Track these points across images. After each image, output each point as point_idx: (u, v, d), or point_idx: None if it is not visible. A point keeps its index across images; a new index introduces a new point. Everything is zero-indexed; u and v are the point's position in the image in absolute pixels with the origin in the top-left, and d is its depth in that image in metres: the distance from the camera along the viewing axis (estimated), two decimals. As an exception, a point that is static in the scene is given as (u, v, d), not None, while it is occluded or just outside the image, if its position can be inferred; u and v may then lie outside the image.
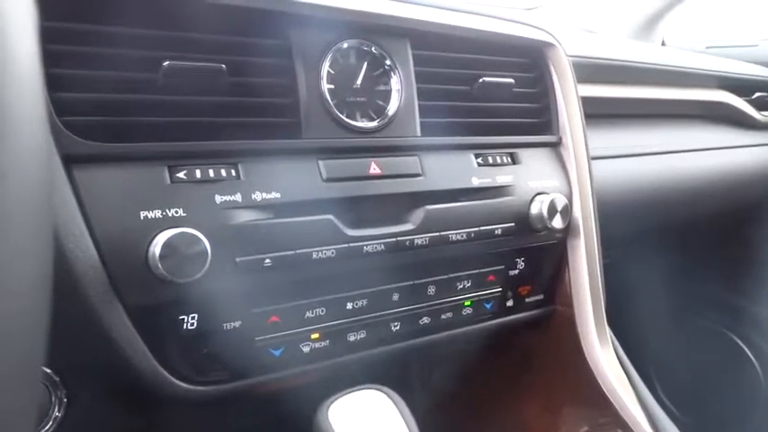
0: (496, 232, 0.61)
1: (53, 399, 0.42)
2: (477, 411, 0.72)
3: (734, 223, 1.49)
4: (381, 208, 0.55)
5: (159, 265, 0.42)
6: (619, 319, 0.78)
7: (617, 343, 0.71)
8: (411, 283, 0.58)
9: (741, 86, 1.21)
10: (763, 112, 1.25)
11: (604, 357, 0.70)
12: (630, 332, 1.54)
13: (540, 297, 0.69)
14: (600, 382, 0.69)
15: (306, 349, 0.52)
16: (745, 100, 1.23)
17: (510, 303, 0.66)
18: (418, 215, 0.56)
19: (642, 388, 0.69)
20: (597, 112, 0.83)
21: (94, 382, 0.44)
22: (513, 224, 0.62)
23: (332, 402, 0.44)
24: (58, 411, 0.42)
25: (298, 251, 0.49)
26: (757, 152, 1.24)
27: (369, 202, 0.54)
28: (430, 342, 0.60)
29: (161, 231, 0.42)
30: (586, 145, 0.70)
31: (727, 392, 1.55)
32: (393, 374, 0.48)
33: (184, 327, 0.46)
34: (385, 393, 0.45)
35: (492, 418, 0.72)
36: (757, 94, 1.24)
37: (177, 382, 0.46)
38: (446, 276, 0.61)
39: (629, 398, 0.68)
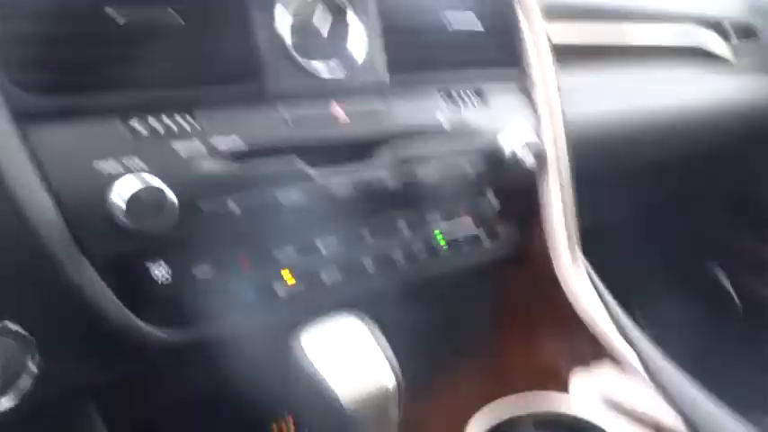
0: (466, 169, 0.61)
1: (28, 356, 0.43)
2: (456, 346, 0.74)
3: (707, 161, 1.51)
4: (347, 149, 0.55)
5: (122, 217, 0.42)
6: (599, 253, 0.80)
7: (592, 272, 0.73)
8: (382, 222, 0.59)
9: (715, 24, 1.20)
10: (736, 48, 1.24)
11: (580, 287, 0.72)
12: (614, 267, 1.58)
13: (515, 231, 0.70)
14: (577, 310, 0.71)
15: (280, 290, 0.53)
16: (719, 36, 1.21)
17: (483, 237, 0.67)
18: (385, 154, 0.56)
19: (618, 313, 0.72)
20: (567, 48, 0.82)
21: (68, 336, 0.45)
22: (482, 160, 0.62)
23: (307, 331, 0.44)
24: (35, 368, 0.43)
25: (265, 196, 0.50)
26: (730, 91, 1.24)
27: (333, 144, 0.54)
28: (404, 280, 0.61)
29: (121, 183, 0.42)
30: (556, 80, 0.69)
31: (705, 319, 1.60)
32: (370, 315, 0.48)
33: (154, 275, 0.46)
34: (360, 320, 0.46)
35: (471, 350, 0.74)
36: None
37: (152, 329, 0.47)
38: (418, 215, 0.61)
39: (606, 324, 0.70)
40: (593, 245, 0.84)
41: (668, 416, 0.62)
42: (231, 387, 0.59)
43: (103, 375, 0.49)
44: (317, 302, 0.55)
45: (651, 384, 0.65)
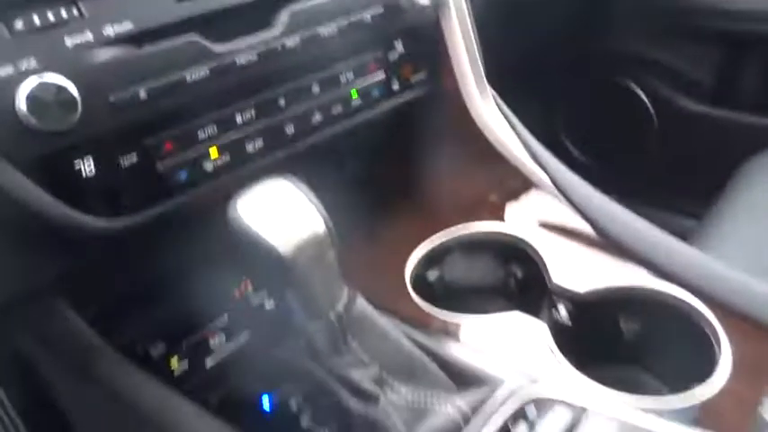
0: (366, 19, 0.63)
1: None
2: (383, 194, 0.79)
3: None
4: (244, 17, 0.55)
5: (31, 119, 0.43)
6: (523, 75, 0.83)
7: (502, 104, 0.78)
8: (293, 85, 0.61)
9: None
10: None
11: (492, 120, 0.77)
12: (536, 88, 1.64)
13: (424, 76, 0.73)
14: (491, 140, 0.77)
15: (209, 167, 0.56)
16: None
17: (396, 86, 0.70)
18: (283, 17, 0.57)
19: (528, 139, 0.78)
20: None
21: (11, 236, 0.48)
22: (380, 7, 0.63)
23: (241, 197, 0.48)
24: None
25: (170, 78, 0.51)
26: None
27: (229, 14, 0.54)
28: (326, 138, 0.64)
29: (19, 85, 0.43)
30: None
31: (624, 134, 1.71)
32: (297, 176, 0.52)
33: (82, 170, 0.48)
34: (287, 181, 0.49)
35: (398, 194, 0.80)
36: None
37: (92, 220, 0.49)
38: (327, 72, 0.63)
39: (517, 149, 0.77)
40: (510, 80, 0.88)
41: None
42: (185, 265, 0.64)
43: (55, 271, 0.52)
44: (244, 172, 0.58)
45: (563, 199, 0.73)
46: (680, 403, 0.50)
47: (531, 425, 0.45)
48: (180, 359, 0.60)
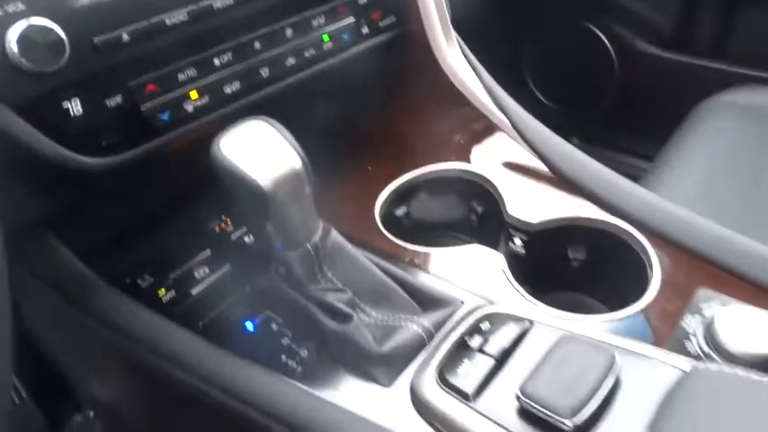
0: None
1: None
2: (355, 136, 0.83)
3: None
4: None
5: (22, 60, 0.46)
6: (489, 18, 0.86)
7: (466, 49, 0.82)
8: (268, 29, 0.64)
9: None
10: None
11: (456, 64, 0.81)
12: (502, 32, 1.67)
13: (392, 20, 0.76)
14: (456, 84, 0.81)
15: (189, 108, 0.59)
16: None
17: (365, 30, 0.74)
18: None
19: (491, 83, 0.82)
20: None
21: (5, 172, 0.51)
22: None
23: (223, 136, 0.51)
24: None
25: (151, 20, 0.54)
26: None
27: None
28: (299, 81, 0.68)
29: (9, 28, 0.45)
30: None
31: (586, 77, 1.75)
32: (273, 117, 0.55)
33: (70, 110, 0.51)
34: (268, 123, 0.53)
35: (370, 136, 0.84)
36: None
37: (81, 157, 0.53)
38: (299, 17, 0.66)
39: (480, 93, 0.81)
40: (476, 23, 0.92)
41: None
42: (169, 204, 0.68)
43: (45, 207, 0.56)
44: (223, 113, 0.62)
45: (521, 141, 0.78)
46: (614, 317, 0.57)
47: (485, 336, 0.51)
48: (167, 290, 0.65)
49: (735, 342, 0.49)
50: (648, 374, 0.46)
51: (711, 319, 0.52)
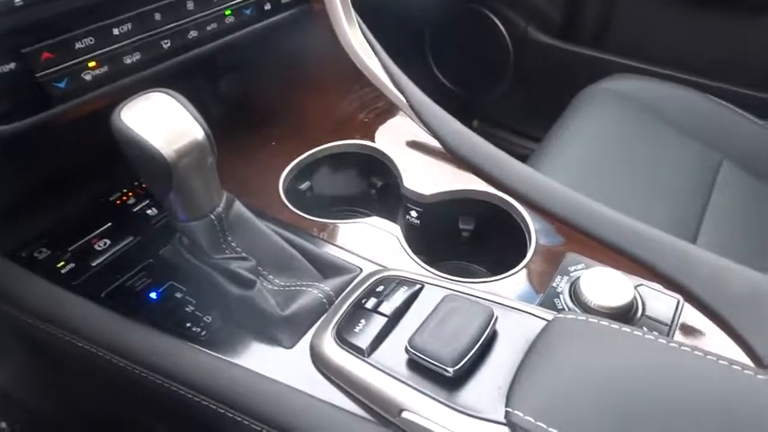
0: None
1: None
2: (259, 111, 0.84)
3: None
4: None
5: None
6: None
7: (366, 29, 0.85)
8: (170, 4, 0.64)
9: None
10: None
11: (356, 43, 0.84)
12: (406, 16, 1.71)
13: (296, -1, 0.78)
14: (356, 63, 0.85)
15: (88, 77, 0.59)
16: None
17: (267, 7, 0.75)
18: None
19: (389, 64, 0.86)
20: None
21: None
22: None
23: (124, 106, 0.51)
24: None
25: (45, -12, 0.53)
26: None
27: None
28: (202, 54, 0.68)
29: None
30: None
31: (486, 63, 1.85)
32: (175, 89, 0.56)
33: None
34: (170, 95, 0.53)
35: (274, 112, 0.86)
36: None
37: None
38: (203, -7, 0.67)
39: (380, 72, 0.85)
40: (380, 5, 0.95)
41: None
42: (66, 176, 0.67)
43: None
44: (124, 84, 0.61)
45: (417, 120, 0.83)
46: (497, 278, 0.64)
47: (380, 298, 0.56)
48: (66, 263, 0.64)
49: (593, 297, 0.56)
50: (521, 325, 0.52)
51: (576, 279, 0.60)
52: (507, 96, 1.85)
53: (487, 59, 1.84)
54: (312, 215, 0.73)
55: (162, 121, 0.52)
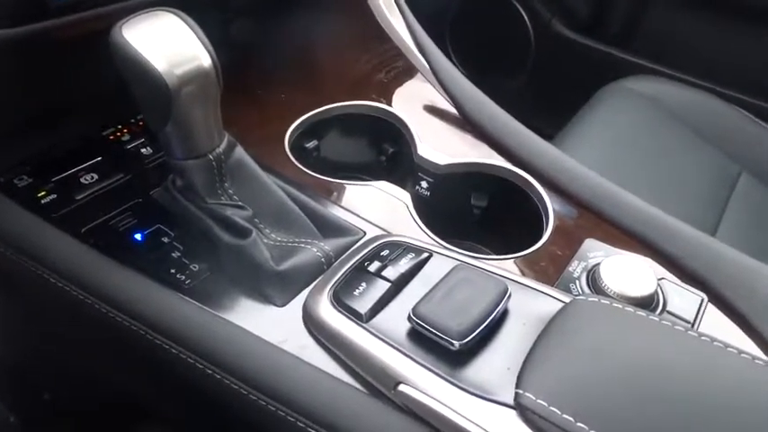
0: None
1: None
2: (273, 62, 0.80)
3: None
4: None
5: None
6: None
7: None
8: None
9: None
10: None
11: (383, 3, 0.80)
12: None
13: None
14: (377, 16, 0.80)
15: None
16: None
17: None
18: None
19: (414, 25, 0.81)
20: None
21: None
22: None
23: (127, 22, 0.47)
24: None
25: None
26: None
27: None
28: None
29: None
30: None
31: (506, 53, 1.80)
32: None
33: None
34: (179, 15, 0.49)
35: (287, 64, 0.81)
36: None
37: None
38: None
39: (403, 31, 0.80)
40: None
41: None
42: (61, 102, 0.62)
43: None
44: (129, 5, 0.56)
45: (437, 84, 0.78)
46: (508, 258, 0.59)
47: (384, 262, 0.51)
48: (48, 193, 0.59)
49: (613, 285, 0.52)
50: (535, 305, 0.48)
51: (596, 266, 0.56)
52: (522, 90, 1.81)
53: (507, 49, 1.79)
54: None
55: (167, 42, 0.47)
